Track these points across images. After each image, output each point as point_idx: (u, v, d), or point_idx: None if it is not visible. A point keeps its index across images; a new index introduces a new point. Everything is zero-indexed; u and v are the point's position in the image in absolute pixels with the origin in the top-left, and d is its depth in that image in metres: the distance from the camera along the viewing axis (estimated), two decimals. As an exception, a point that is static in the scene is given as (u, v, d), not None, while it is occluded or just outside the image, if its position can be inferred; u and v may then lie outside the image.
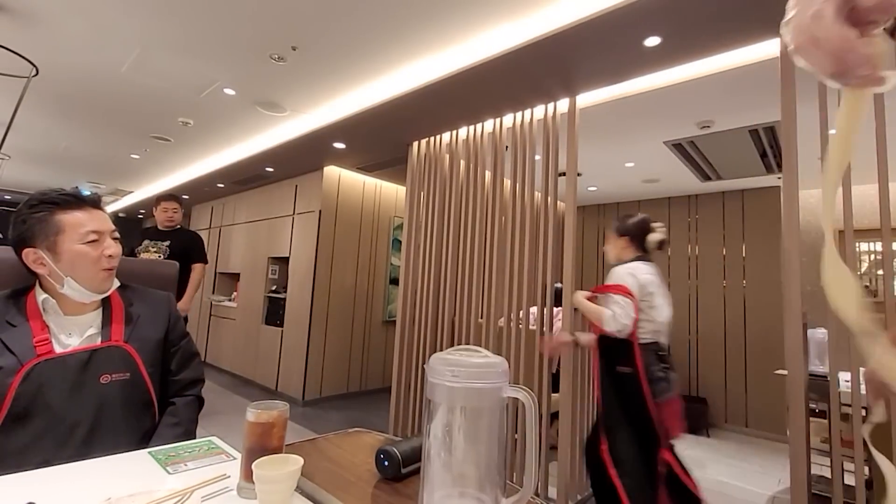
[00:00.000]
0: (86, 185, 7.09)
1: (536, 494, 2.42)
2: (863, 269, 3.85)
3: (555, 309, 2.57)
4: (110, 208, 8.81)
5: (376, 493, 0.77)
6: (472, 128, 3.11)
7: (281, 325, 4.69)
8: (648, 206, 5.00)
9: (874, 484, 1.84)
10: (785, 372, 1.83)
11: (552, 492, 2.41)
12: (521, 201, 2.76)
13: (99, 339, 1.07)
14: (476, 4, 2.06)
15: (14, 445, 0.94)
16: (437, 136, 3.36)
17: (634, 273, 1.92)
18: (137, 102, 3.43)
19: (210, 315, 6.02)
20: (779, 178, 3.76)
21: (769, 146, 3.14)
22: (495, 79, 2.47)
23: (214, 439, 0.99)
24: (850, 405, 1.95)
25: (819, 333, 2.58)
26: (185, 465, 0.85)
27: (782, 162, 1.89)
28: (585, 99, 2.63)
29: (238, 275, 5.62)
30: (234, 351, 5.40)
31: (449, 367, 0.65)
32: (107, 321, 1.10)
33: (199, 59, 2.70)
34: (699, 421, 4.07)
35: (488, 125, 3.03)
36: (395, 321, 3.54)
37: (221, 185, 5.63)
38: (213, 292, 6.05)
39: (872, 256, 3.85)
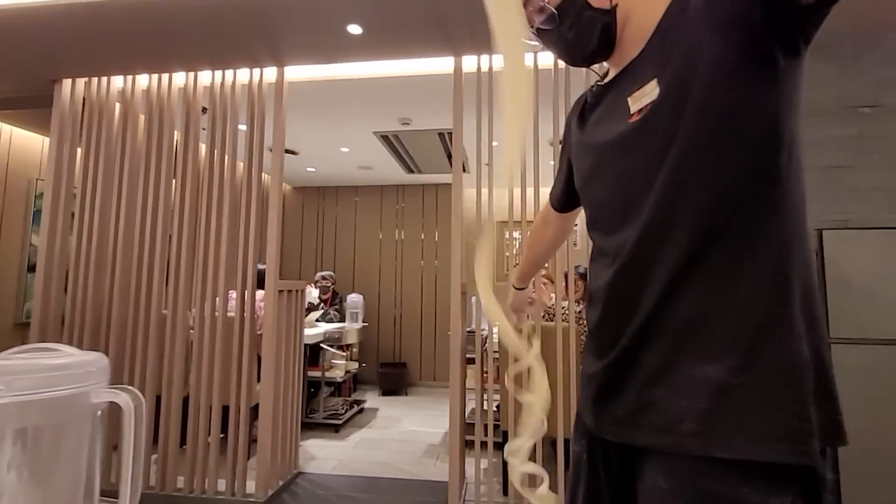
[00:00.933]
0: None
1: (199, 490, 2.23)
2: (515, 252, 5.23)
3: (258, 292, 2.40)
4: None
5: None
6: (156, 77, 2.53)
7: None
8: (365, 192, 5.34)
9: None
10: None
11: (250, 486, 2.27)
12: (219, 174, 2.43)
13: None
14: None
15: None
16: (105, 79, 2.58)
17: None
18: None
19: None
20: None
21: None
22: (186, 21, 2.06)
23: None
24: (497, 352, 2.58)
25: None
26: None
27: (452, 163, 2.30)
28: (296, 73, 2.52)
29: None
30: None
31: (-11, 378, 0.45)
32: None
33: None
34: (400, 382, 4.68)
35: (179, 78, 2.52)
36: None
37: None
38: None
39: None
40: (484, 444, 2.20)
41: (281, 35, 2.15)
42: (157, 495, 2.28)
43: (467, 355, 2.48)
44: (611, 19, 0.61)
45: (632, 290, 0.58)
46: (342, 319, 4.26)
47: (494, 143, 2.23)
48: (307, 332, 3.40)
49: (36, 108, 2.89)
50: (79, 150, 2.58)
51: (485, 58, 2.27)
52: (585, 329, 1.61)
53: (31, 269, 3.58)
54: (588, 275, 0.71)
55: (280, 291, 2.43)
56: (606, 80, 0.68)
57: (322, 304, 4.28)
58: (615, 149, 0.62)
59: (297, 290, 2.64)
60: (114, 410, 0.52)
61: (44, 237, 2.53)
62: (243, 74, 2.48)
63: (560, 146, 0.92)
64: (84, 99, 2.61)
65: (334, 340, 3.62)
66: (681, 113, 0.53)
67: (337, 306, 4.37)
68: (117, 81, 2.59)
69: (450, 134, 3.45)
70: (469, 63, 2.29)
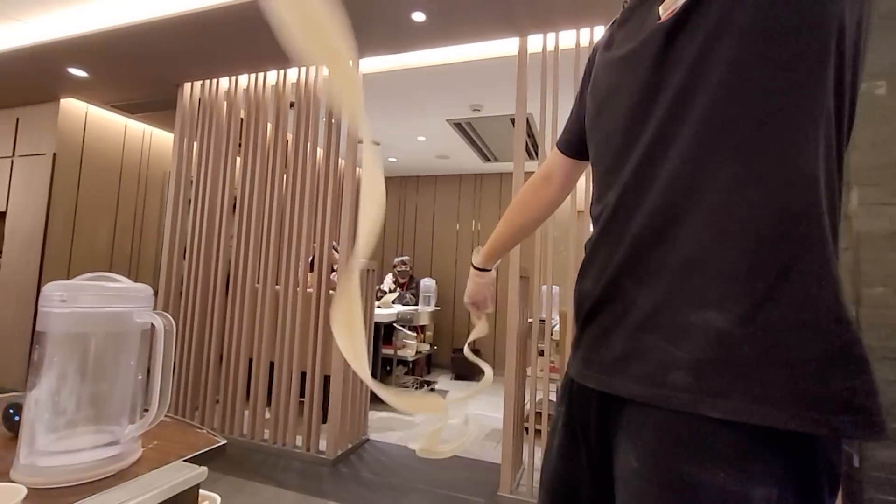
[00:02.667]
0: None
1: (280, 442, 2.48)
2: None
3: (332, 273, 2.61)
4: None
5: (-12, 451, 0.66)
6: (253, 76, 2.85)
7: (-6, 301, 3.59)
8: (443, 182, 5.47)
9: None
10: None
11: (322, 444, 2.50)
12: (301, 162, 2.67)
13: None
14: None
15: None
16: (214, 81, 2.98)
17: None
18: None
19: None
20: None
21: (528, 134, 3.75)
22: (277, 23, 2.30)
23: None
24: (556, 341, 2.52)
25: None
26: None
27: (514, 148, 2.28)
28: (371, 64, 2.67)
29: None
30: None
31: (60, 291, 0.58)
32: None
33: None
34: (472, 368, 4.75)
35: (272, 77, 2.82)
36: (161, 290, 3.08)
37: None
38: None
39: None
40: (540, 433, 2.17)
41: (353, 29, 2.29)
42: (248, 442, 2.61)
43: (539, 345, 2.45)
44: None
45: (628, 215, 0.51)
46: (417, 303, 4.44)
47: None
48: (381, 311, 3.61)
49: (164, 110, 3.43)
50: (195, 144, 3.01)
51: (551, 36, 2.21)
52: None
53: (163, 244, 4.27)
54: (591, 211, 0.62)
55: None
56: None
57: (398, 288, 4.50)
58: (637, 56, 0.54)
59: (368, 270, 2.82)
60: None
61: (168, 219, 3.01)
62: (326, 70, 2.69)
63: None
64: (199, 100, 3.04)
65: (406, 321, 3.79)
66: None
67: (413, 290, 4.57)
68: (224, 82, 2.97)
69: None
70: (534, 43, 2.24)
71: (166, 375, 0.63)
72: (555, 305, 3.30)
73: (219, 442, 0.72)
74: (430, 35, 2.29)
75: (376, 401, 3.45)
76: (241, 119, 2.89)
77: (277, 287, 2.69)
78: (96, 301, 0.60)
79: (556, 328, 2.83)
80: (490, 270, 1.02)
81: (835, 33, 0.43)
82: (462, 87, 2.92)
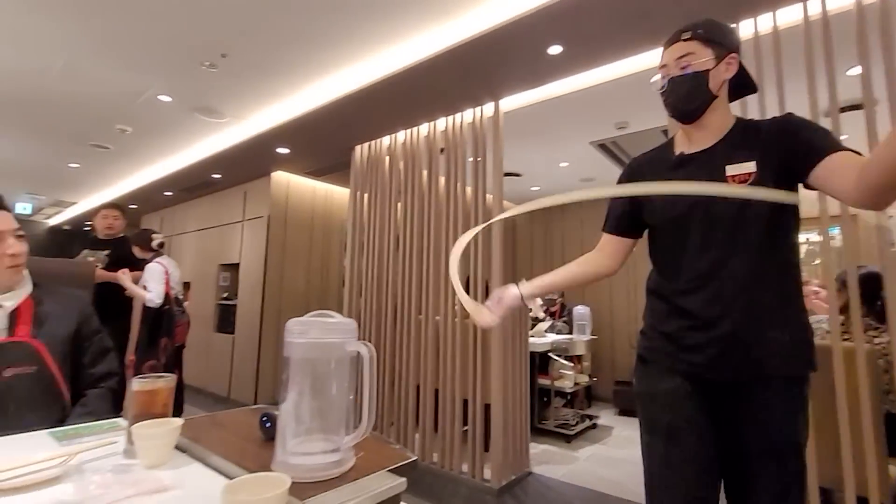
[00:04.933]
0: (25, 196, 6.79)
1: (448, 467, 2.56)
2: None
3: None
4: (53, 221, 8.43)
5: (253, 449, 0.87)
6: (409, 132, 3.24)
7: (232, 332, 4.65)
8: (590, 206, 5.26)
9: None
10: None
11: (487, 473, 2.55)
12: (453, 200, 2.90)
13: (5, 335, 1.12)
14: (397, 13, 2.19)
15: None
16: (378, 141, 3.47)
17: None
18: (72, 109, 3.38)
19: (161, 327, 5.87)
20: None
21: (685, 145, 3.42)
22: (426, 83, 2.61)
23: (120, 420, 1.06)
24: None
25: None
26: (81, 439, 0.92)
27: (672, 157, 2.10)
28: (511, 102, 2.80)
29: (188, 283, 5.51)
30: (184, 361, 5.29)
31: (298, 325, 0.76)
32: (14, 318, 1.14)
33: (128, 66, 2.71)
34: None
35: (423, 129, 3.16)
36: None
37: (169, 194, 5.54)
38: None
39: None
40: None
41: (493, 73, 2.46)
42: (420, 464, 2.82)
43: None
44: (710, 99, 1.01)
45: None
46: (571, 332, 4.28)
47: None
48: (535, 340, 3.59)
49: (342, 170, 4.10)
50: (365, 195, 3.52)
51: (705, 36, 2.02)
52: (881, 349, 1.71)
53: (343, 283, 4.99)
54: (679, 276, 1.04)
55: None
56: (691, 151, 1.06)
57: (549, 317, 4.41)
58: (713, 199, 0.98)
59: (520, 299, 2.86)
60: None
61: (347, 261, 3.53)
62: (468, 115, 2.92)
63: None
64: (367, 157, 3.56)
65: (562, 350, 3.68)
66: (766, 184, 0.94)
67: (565, 318, 4.43)
68: (386, 140, 3.43)
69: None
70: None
71: (372, 395, 0.75)
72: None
73: (411, 458, 0.82)
74: (569, 64, 2.31)
75: (536, 433, 3.39)
76: (400, 169, 3.29)
77: (437, 318, 2.91)
78: (321, 333, 0.76)
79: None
80: (527, 302, 1.20)
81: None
82: (605, 107, 2.84)
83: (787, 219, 0.97)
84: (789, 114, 1.01)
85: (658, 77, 1.06)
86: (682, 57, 1.01)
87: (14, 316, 1.14)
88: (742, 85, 1.07)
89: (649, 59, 2.24)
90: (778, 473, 0.94)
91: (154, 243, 3.18)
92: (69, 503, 0.61)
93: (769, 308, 0.95)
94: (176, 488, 0.69)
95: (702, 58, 1.00)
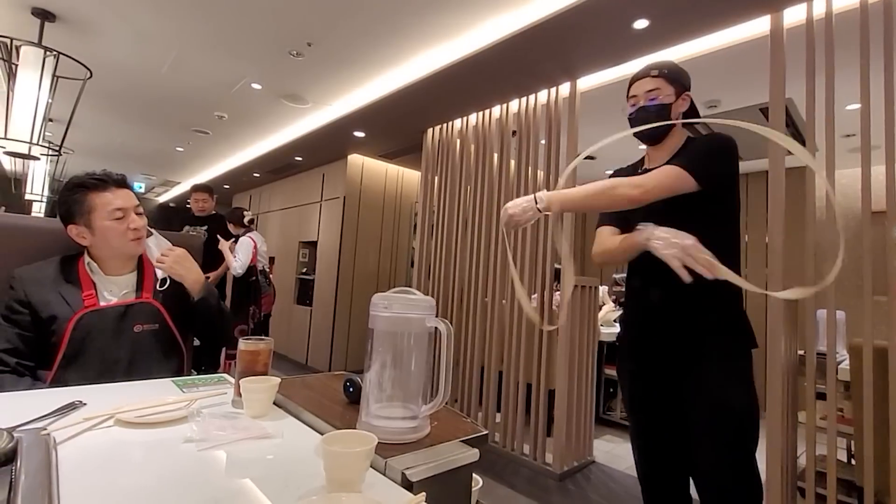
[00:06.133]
0: (140, 176, 7.72)
1: (509, 447, 2.57)
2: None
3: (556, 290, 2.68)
4: (161, 198, 9.50)
5: (338, 409, 0.96)
6: (480, 114, 3.23)
7: (310, 305, 5.01)
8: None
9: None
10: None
11: (549, 457, 2.55)
12: (524, 184, 2.86)
13: (133, 297, 1.31)
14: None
15: (69, 380, 1.18)
16: (450, 123, 3.49)
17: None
18: (178, 99, 3.76)
19: (248, 297, 6.46)
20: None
21: (786, 125, 3.07)
22: (499, 65, 2.58)
23: (225, 375, 1.21)
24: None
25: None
26: (198, 388, 1.06)
27: (769, 143, 1.91)
28: (588, 82, 2.69)
29: (273, 258, 5.99)
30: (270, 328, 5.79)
31: (382, 300, 0.82)
32: (140, 282, 1.33)
33: (227, 57, 2.95)
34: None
35: (496, 111, 3.13)
36: (412, 301, 3.75)
37: (257, 175, 6.01)
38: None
39: None
40: (820, 497, 1.71)
41: (571, 51, 2.37)
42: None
43: (817, 387, 1.96)
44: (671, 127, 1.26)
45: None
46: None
47: (851, 107, 1.74)
48: (605, 330, 3.48)
49: (413, 153, 4.19)
50: (436, 178, 3.58)
51: (818, 2, 1.79)
52: None
53: (412, 264, 5.16)
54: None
55: (574, 286, 2.63)
56: (651, 167, 1.29)
57: (619, 306, 4.25)
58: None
59: (590, 287, 2.78)
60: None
61: (416, 243, 3.64)
62: (542, 96, 2.84)
63: None
64: (439, 140, 3.61)
65: (632, 342, 3.53)
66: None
67: (637, 309, 4.23)
68: (457, 123, 3.45)
69: (779, 106, 2.81)
70: (793, 15, 1.86)
71: (448, 369, 0.80)
72: (841, 335, 2.55)
73: (482, 431, 0.86)
74: (655, 39, 2.17)
75: (602, 424, 3.32)
76: (471, 152, 3.29)
77: (503, 301, 2.92)
78: (404, 308, 0.82)
79: (845, 365, 2.18)
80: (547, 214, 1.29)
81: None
82: (694, 84, 2.62)
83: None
84: (710, 133, 1.30)
85: (629, 106, 1.31)
86: (650, 91, 1.25)
87: (140, 280, 1.33)
88: (692, 115, 1.32)
89: (743, 31, 2.04)
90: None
91: (245, 220, 3.51)
92: (196, 439, 0.72)
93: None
94: (276, 437, 0.78)
95: (666, 93, 1.24)
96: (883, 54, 1.63)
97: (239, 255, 3.28)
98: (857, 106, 1.71)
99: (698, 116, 1.32)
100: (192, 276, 1.34)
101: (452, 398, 3.16)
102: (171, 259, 1.32)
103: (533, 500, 2.24)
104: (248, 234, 3.43)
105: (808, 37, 1.82)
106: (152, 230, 1.37)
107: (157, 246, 1.35)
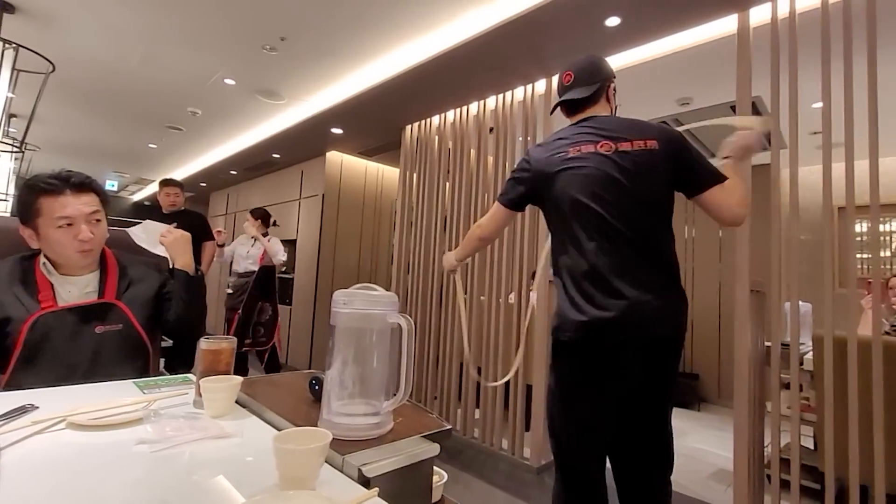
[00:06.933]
0: (112, 174, 7.50)
1: (488, 443, 2.58)
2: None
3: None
4: (136, 197, 9.26)
5: (304, 408, 0.94)
6: (458, 111, 3.23)
7: (290, 304, 4.95)
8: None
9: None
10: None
11: (527, 452, 2.58)
12: (501, 180, 2.87)
13: (95, 297, 1.27)
14: (447, -9, 2.17)
15: (25, 383, 1.14)
16: (428, 120, 3.48)
17: None
18: (149, 94, 3.66)
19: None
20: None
21: (756, 122, 3.15)
22: (476, 60, 2.58)
23: (190, 376, 1.18)
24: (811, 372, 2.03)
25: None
26: (160, 389, 1.04)
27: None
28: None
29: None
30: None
31: (343, 296, 0.81)
32: (102, 282, 1.29)
33: (199, 51, 2.89)
34: (691, 395, 4.16)
35: (473, 108, 3.14)
36: (392, 298, 3.74)
37: (234, 172, 5.90)
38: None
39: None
40: (786, 484, 1.77)
41: (545, 48, 2.38)
42: (461, 437, 2.90)
43: (782, 375, 2.02)
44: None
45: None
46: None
47: (817, 105, 1.79)
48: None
49: (392, 150, 4.17)
50: (414, 175, 3.56)
51: (782, 2, 1.84)
52: None
53: (391, 261, 5.14)
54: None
55: (550, 282, 2.66)
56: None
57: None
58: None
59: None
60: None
61: (395, 239, 3.62)
62: (519, 93, 2.85)
63: None
64: (417, 137, 3.59)
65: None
66: None
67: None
68: (435, 120, 3.44)
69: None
70: (759, 14, 1.91)
71: (409, 365, 0.80)
72: (805, 326, 2.64)
73: (445, 426, 0.86)
74: (627, 37, 2.19)
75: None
76: (449, 149, 3.29)
77: (482, 298, 2.94)
78: (365, 304, 0.81)
79: (809, 356, 2.26)
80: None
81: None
82: (665, 82, 2.67)
83: None
84: None
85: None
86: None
87: (103, 282, 1.29)
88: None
89: (713, 30, 2.08)
90: None
91: (272, 220, 3.92)
92: (150, 441, 0.71)
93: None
94: (235, 436, 0.77)
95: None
96: (843, 55, 1.68)
97: (278, 244, 3.65)
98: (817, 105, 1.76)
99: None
100: (184, 258, 1.42)
101: (432, 395, 3.16)
102: (172, 238, 1.42)
103: (510, 494, 2.26)
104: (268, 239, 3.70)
105: (773, 36, 1.87)
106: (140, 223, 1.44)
107: (146, 231, 1.44)
